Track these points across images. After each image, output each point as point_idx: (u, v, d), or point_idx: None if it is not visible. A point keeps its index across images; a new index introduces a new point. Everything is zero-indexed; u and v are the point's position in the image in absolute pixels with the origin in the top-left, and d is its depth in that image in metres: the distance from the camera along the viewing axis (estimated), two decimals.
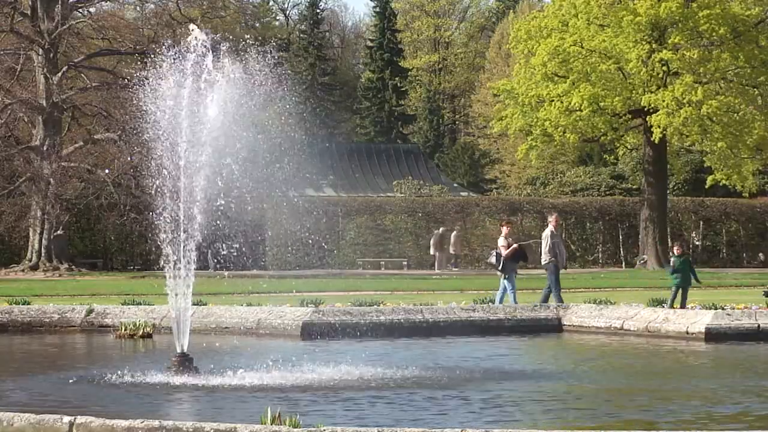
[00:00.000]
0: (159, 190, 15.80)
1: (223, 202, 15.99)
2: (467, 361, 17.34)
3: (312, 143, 74.07)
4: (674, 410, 12.71)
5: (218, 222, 16.14)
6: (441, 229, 55.40)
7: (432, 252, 55.00)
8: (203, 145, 15.91)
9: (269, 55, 15.85)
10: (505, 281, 25.58)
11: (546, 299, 25.14)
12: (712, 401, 13.45)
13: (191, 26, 15.93)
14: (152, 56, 15.56)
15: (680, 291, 24.76)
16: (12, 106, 49.22)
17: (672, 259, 25.73)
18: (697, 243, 60.75)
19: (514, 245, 25.79)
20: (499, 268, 25.67)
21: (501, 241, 25.90)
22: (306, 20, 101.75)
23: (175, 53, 15.72)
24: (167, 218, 15.72)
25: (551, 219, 26.25)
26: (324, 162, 72.86)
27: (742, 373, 16.63)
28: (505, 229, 26.32)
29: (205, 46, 15.70)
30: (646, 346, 20.08)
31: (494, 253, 26.02)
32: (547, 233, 25.70)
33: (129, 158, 45.37)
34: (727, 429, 11.52)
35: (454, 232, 55.46)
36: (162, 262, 15.97)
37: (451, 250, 55.05)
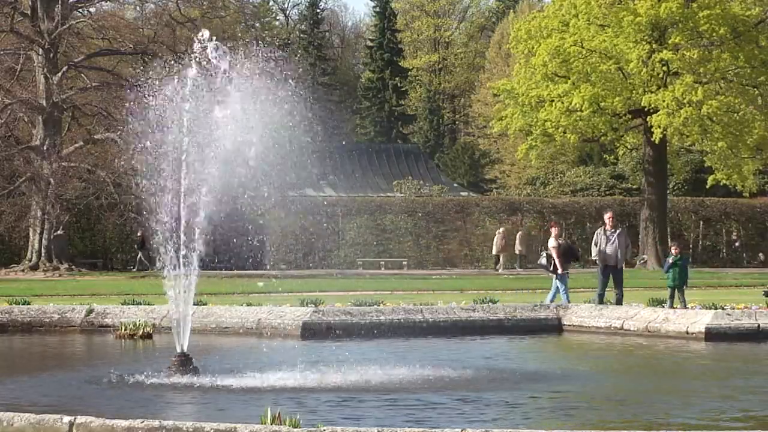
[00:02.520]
0: (160, 190, 15.81)
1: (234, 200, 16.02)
2: (479, 361, 17.29)
3: (312, 143, 73.98)
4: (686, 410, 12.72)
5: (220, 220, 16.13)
6: (502, 228, 55.05)
7: (494, 252, 54.59)
8: (205, 146, 15.92)
9: (273, 56, 15.89)
10: (558, 281, 25.53)
11: (619, 301, 25.05)
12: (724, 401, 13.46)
13: (202, 33, 15.92)
14: (159, 58, 15.59)
15: (675, 291, 24.83)
16: (12, 106, 49.19)
17: (667, 259, 25.88)
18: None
19: (556, 257, 25.53)
20: (551, 269, 25.72)
21: (551, 242, 25.85)
22: (306, 20, 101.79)
23: (182, 57, 15.77)
24: (168, 218, 15.72)
25: (606, 217, 26.00)
26: (324, 162, 72.84)
27: (742, 373, 16.64)
28: (554, 230, 26.21)
29: (213, 51, 15.74)
30: (658, 347, 20.07)
31: (545, 255, 26.01)
32: (597, 232, 25.67)
33: (130, 158, 45.30)
34: (728, 429, 11.52)
35: (520, 232, 55.19)
36: (162, 263, 15.98)
37: (516, 251, 54.67)
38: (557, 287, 25.60)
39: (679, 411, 12.69)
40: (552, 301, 25.16)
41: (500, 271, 51.95)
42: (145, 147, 16.09)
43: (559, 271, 25.48)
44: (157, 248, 15.73)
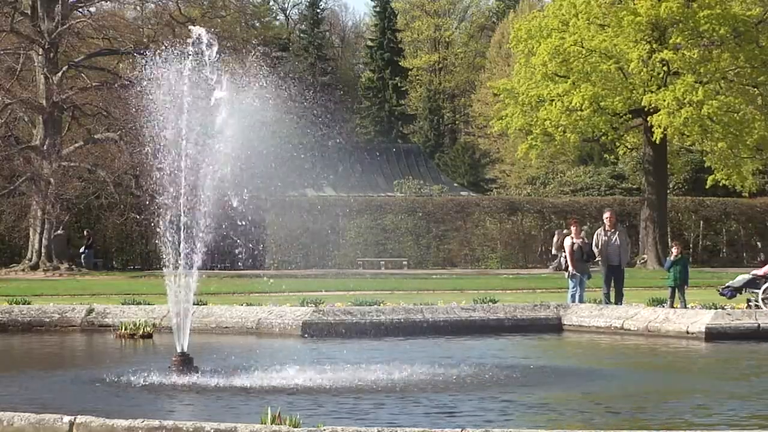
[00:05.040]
0: (161, 189, 15.81)
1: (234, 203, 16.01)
2: (486, 360, 17.24)
3: (312, 143, 74.29)
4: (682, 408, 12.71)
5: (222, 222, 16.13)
6: (565, 230, 54.88)
7: (554, 251, 54.36)
8: (206, 145, 15.91)
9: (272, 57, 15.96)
10: (569, 280, 25.46)
11: (618, 300, 25.09)
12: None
13: (195, 29, 15.92)
14: (156, 56, 15.57)
15: (676, 291, 24.88)
16: (12, 105, 49.18)
17: (667, 259, 25.97)
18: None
19: (568, 256, 25.49)
20: (563, 268, 25.72)
21: (567, 241, 25.82)
22: (306, 20, 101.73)
23: (180, 56, 15.75)
24: (168, 218, 15.72)
25: (605, 217, 26.04)
26: (324, 162, 72.83)
27: (745, 372, 16.65)
28: (573, 229, 26.17)
29: (209, 49, 15.74)
30: (659, 347, 20.06)
31: (562, 255, 26.04)
32: (597, 232, 25.69)
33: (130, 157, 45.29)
34: (729, 429, 11.52)
35: (583, 232, 54.88)
36: (162, 262, 15.98)
37: None
38: (578, 285, 25.39)
39: (682, 411, 12.69)
40: (581, 300, 24.93)
41: (550, 269, 51.92)
42: (144, 147, 16.11)
43: (571, 270, 25.37)
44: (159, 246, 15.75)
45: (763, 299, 25.24)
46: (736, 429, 11.48)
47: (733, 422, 11.87)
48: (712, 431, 11.07)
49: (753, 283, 25.80)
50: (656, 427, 11.45)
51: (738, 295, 25.80)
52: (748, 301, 25.33)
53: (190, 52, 15.78)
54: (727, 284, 26.19)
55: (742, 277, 26.27)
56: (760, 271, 26.32)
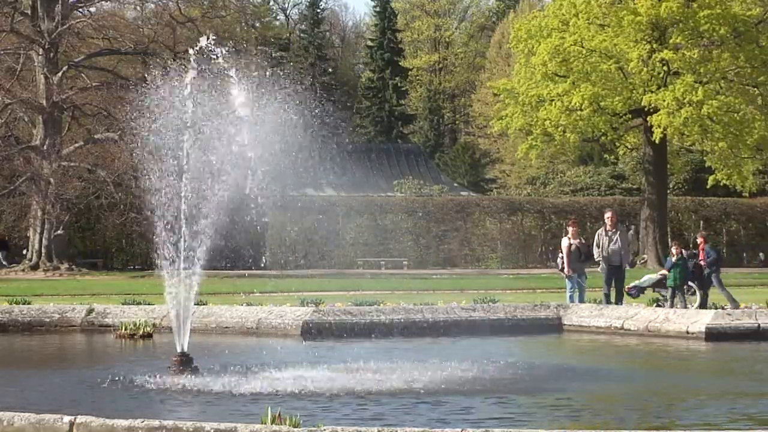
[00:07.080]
0: (160, 189, 15.81)
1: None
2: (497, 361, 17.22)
3: (312, 143, 74.08)
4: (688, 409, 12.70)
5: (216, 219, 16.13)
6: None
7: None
8: (206, 146, 15.91)
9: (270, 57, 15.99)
10: (567, 281, 25.43)
11: (619, 300, 25.13)
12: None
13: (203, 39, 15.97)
14: (160, 58, 15.65)
15: (676, 292, 24.89)
16: (12, 105, 49.22)
17: (667, 259, 26.01)
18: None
19: (565, 257, 25.42)
20: (559, 268, 25.72)
21: (564, 242, 25.79)
22: (306, 20, 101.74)
23: (183, 58, 15.83)
24: (168, 218, 15.72)
25: (606, 217, 26.07)
26: (324, 162, 72.77)
27: (746, 372, 16.66)
28: (571, 230, 26.13)
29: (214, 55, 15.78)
30: (660, 347, 20.05)
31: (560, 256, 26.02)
32: (598, 233, 25.72)
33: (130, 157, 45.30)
34: (729, 429, 11.51)
35: (630, 232, 54.85)
36: (162, 262, 15.96)
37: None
38: (576, 285, 25.34)
39: (685, 411, 12.68)
40: (582, 301, 24.90)
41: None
42: (146, 148, 16.11)
43: (565, 271, 25.34)
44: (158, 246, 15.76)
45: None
46: (738, 429, 11.47)
47: (735, 422, 11.86)
48: (715, 431, 11.07)
49: (661, 284, 25.83)
50: (660, 427, 11.44)
51: (641, 294, 25.85)
52: (657, 300, 25.32)
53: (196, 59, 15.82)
54: (633, 284, 26.15)
55: (650, 277, 26.38)
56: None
